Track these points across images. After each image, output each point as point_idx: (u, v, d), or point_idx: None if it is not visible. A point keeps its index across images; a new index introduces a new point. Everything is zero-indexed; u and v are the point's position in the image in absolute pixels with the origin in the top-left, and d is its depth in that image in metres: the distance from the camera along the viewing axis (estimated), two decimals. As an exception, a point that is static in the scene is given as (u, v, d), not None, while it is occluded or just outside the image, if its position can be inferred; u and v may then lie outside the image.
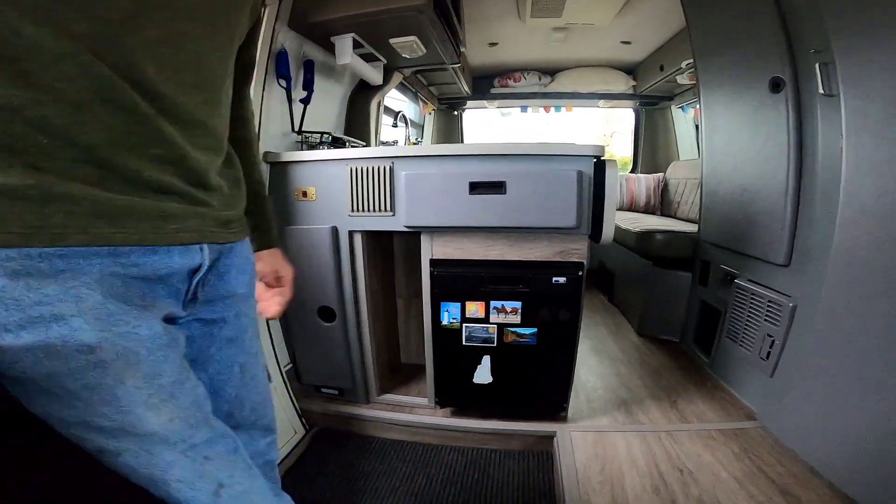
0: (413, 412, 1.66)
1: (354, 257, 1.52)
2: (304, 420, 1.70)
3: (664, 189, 3.60)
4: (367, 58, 2.05)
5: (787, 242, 1.52)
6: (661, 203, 3.61)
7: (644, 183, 3.68)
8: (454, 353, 1.49)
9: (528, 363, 1.47)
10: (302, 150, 1.71)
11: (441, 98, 4.03)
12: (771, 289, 1.59)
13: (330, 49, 1.83)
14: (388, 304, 1.84)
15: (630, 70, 4.02)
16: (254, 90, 1.47)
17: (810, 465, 1.28)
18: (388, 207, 1.41)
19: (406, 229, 1.41)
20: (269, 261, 0.89)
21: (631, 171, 4.32)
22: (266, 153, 1.52)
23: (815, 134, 1.40)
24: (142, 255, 0.51)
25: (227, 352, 0.70)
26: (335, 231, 1.48)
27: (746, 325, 1.68)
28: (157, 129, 0.50)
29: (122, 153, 0.48)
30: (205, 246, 0.59)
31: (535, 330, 1.41)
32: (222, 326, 0.68)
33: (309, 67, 1.78)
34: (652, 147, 4.27)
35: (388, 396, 1.73)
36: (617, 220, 2.69)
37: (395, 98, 3.12)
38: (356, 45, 1.88)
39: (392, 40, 1.94)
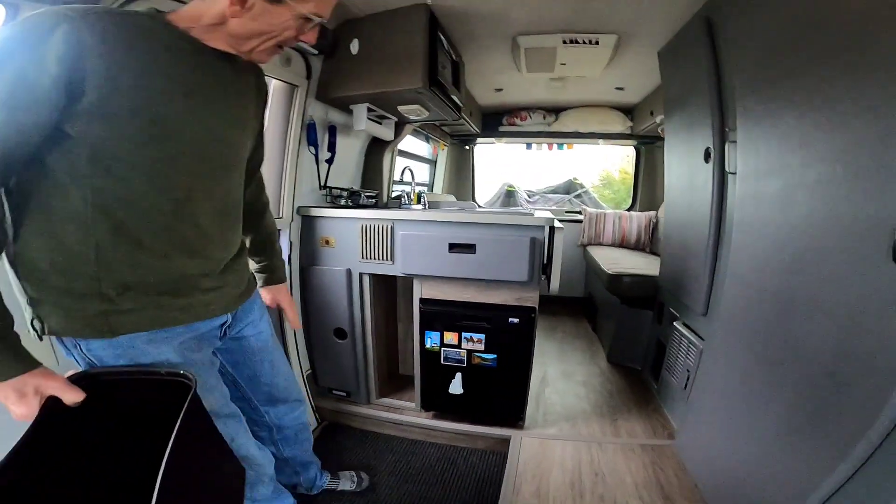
0: (403, 413, 2.10)
1: (363, 292, 1.98)
2: (317, 415, 2.16)
3: (654, 227, 3.87)
4: (381, 118, 2.49)
5: (706, 293, 1.78)
6: (651, 240, 3.86)
7: (636, 221, 3.98)
8: (435, 370, 1.93)
9: (491, 381, 1.89)
10: (327, 201, 2.18)
11: (452, 135, 4.45)
12: (694, 332, 1.90)
13: (350, 112, 2.21)
14: (389, 327, 2.28)
15: (628, 111, 4.35)
16: (289, 157, 1.95)
17: (695, 480, 1.60)
18: (389, 257, 1.86)
19: (402, 274, 1.86)
20: (274, 293, 1.36)
21: (629, 209, 4.50)
22: (299, 207, 1.99)
23: (731, 200, 1.62)
24: (198, 325, 0.95)
25: (256, 357, 1.19)
26: (349, 272, 1.94)
27: (676, 359, 2.02)
28: (207, 254, 0.93)
29: (190, 270, 0.91)
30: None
31: (495, 356, 1.84)
32: (247, 342, 1.16)
33: (332, 132, 2.19)
34: (651, 185, 4.45)
35: (385, 400, 2.18)
36: (597, 258, 3.09)
37: (408, 140, 3.55)
38: (370, 110, 2.31)
39: (399, 107, 2.37)
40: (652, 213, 3.98)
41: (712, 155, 1.72)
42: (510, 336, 1.81)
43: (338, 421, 2.17)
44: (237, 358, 1.16)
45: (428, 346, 1.89)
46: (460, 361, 1.88)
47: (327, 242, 1.96)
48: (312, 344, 2.13)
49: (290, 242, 1.95)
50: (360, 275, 1.95)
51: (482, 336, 1.82)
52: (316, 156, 2.13)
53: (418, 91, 1.90)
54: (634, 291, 2.60)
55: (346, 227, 1.92)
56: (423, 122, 2.87)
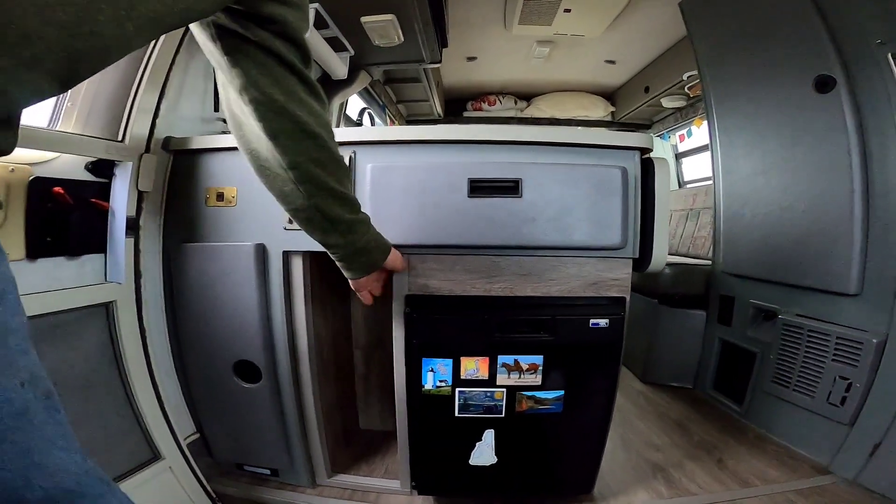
0: (380, 501, 1.17)
1: (291, 290, 1.03)
2: (217, 511, 1.16)
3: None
4: (333, 45, 1.65)
5: (858, 267, 1.27)
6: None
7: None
8: (440, 427, 1.02)
9: (551, 437, 1.03)
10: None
11: (410, 119, 3.67)
12: (837, 324, 1.32)
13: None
14: (340, 356, 1.34)
15: (609, 96, 3.85)
16: (158, 47, 1.01)
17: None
18: (345, 216, 0.95)
19: (370, 249, 0.95)
20: None
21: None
22: (167, 139, 1.04)
23: (886, 134, 1.21)
24: None
25: None
26: (262, 250, 1.00)
27: (803, 367, 1.41)
28: None
29: None
30: None
31: (561, 393, 0.97)
32: None
33: None
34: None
35: (343, 478, 1.22)
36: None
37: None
38: (319, 22, 1.48)
39: (364, 19, 1.55)
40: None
41: (836, 82, 1.30)
42: (587, 354, 0.96)
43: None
44: None
45: (428, 386, 0.96)
46: (494, 410, 0.98)
47: (220, 197, 1.02)
48: (194, 391, 1.15)
49: (139, 192, 0.98)
50: (286, 255, 1.01)
51: (538, 359, 0.94)
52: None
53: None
54: (679, 287, 1.99)
55: (258, 165, 0.99)
56: (389, 64, 2.05)
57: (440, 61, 2.04)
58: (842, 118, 1.29)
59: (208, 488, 1.16)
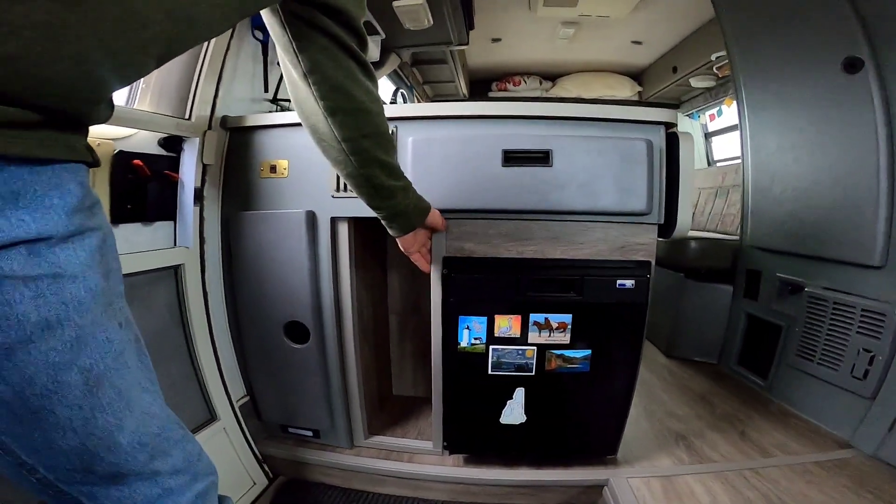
0: (413, 460, 1.26)
1: (337, 254, 1.13)
2: (265, 467, 1.28)
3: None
4: (366, 28, 1.72)
5: (883, 239, 1.28)
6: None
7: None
8: (473, 386, 1.10)
9: (578, 395, 1.10)
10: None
11: (435, 99, 3.71)
12: (862, 296, 1.33)
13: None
14: (378, 321, 1.44)
15: (635, 76, 3.81)
16: (216, 39, 1.10)
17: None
18: (388, 185, 1.03)
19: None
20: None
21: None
22: (224, 117, 1.14)
23: None
24: None
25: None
26: (312, 217, 1.09)
27: (828, 340, 1.42)
28: None
29: None
30: None
31: (588, 352, 1.04)
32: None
33: None
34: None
35: (379, 439, 1.32)
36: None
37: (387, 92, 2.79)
38: None
39: (396, 3, 1.61)
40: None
41: (864, 63, 1.31)
42: (614, 314, 1.03)
43: (302, 477, 1.30)
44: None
45: (464, 343, 1.05)
46: (525, 368, 1.06)
47: (273, 170, 1.11)
48: (248, 352, 1.26)
49: (203, 165, 1.09)
50: (333, 221, 1.11)
51: (567, 318, 1.01)
52: (264, 47, 1.31)
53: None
54: (706, 260, 2.02)
55: (309, 139, 1.08)
56: (419, 47, 2.11)
57: (467, 43, 2.08)
58: (869, 97, 1.30)
59: (255, 450, 1.27)
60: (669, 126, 1.02)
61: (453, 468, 1.21)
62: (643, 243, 1.02)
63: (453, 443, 1.21)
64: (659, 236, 1.04)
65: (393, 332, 1.55)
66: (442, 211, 1.00)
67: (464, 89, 3.49)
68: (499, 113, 1.00)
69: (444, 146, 0.99)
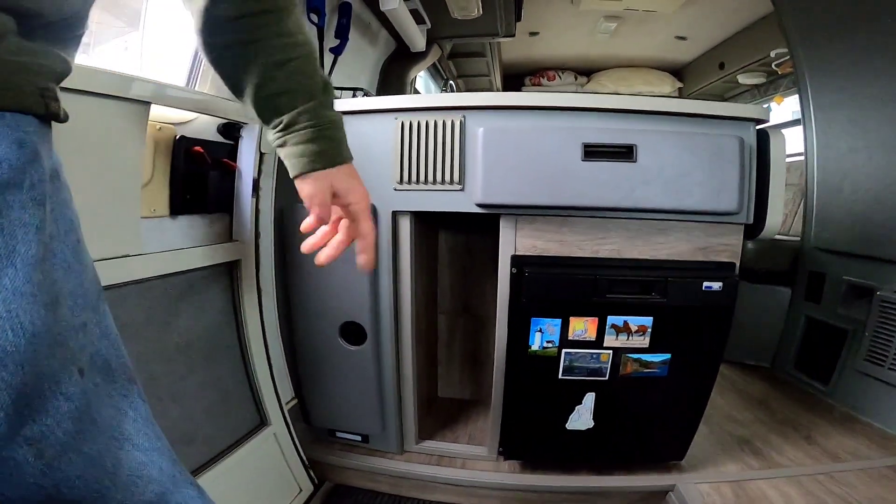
0: (466, 466, 1.21)
1: (398, 251, 1.08)
2: (311, 473, 1.24)
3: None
4: (414, 17, 1.67)
5: None
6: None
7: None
8: (541, 391, 1.04)
9: (652, 400, 1.04)
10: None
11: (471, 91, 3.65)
12: None
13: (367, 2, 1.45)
14: (428, 321, 1.39)
15: (674, 71, 3.68)
16: None
17: None
18: (456, 178, 0.97)
19: (479, 210, 0.98)
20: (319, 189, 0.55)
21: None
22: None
23: None
24: None
25: None
26: (372, 211, 1.04)
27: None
28: None
29: None
30: None
31: (667, 357, 0.98)
32: None
33: (346, 11, 1.41)
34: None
35: (430, 444, 1.27)
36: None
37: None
38: None
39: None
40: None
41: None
42: (698, 317, 0.96)
43: (350, 483, 1.26)
44: None
45: (535, 346, 0.99)
46: (598, 372, 1.00)
47: (333, 161, 1.07)
48: (299, 354, 1.22)
49: (260, 154, 1.05)
50: (395, 216, 1.06)
51: (647, 321, 0.95)
52: (320, 32, 1.28)
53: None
54: (765, 262, 1.94)
55: (369, 129, 1.03)
56: (464, 37, 2.06)
57: (514, 34, 2.02)
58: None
59: (303, 455, 1.21)
60: (759, 122, 0.96)
61: (509, 475, 1.16)
62: (728, 244, 0.95)
63: (509, 448, 1.15)
64: (745, 237, 0.97)
65: (441, 332, 1.50)
66: (514, 207, 0.94)
67: (498, 83, 3.42)
68: (579, 105, 0.93)
69: (519, 138, 0.93)
